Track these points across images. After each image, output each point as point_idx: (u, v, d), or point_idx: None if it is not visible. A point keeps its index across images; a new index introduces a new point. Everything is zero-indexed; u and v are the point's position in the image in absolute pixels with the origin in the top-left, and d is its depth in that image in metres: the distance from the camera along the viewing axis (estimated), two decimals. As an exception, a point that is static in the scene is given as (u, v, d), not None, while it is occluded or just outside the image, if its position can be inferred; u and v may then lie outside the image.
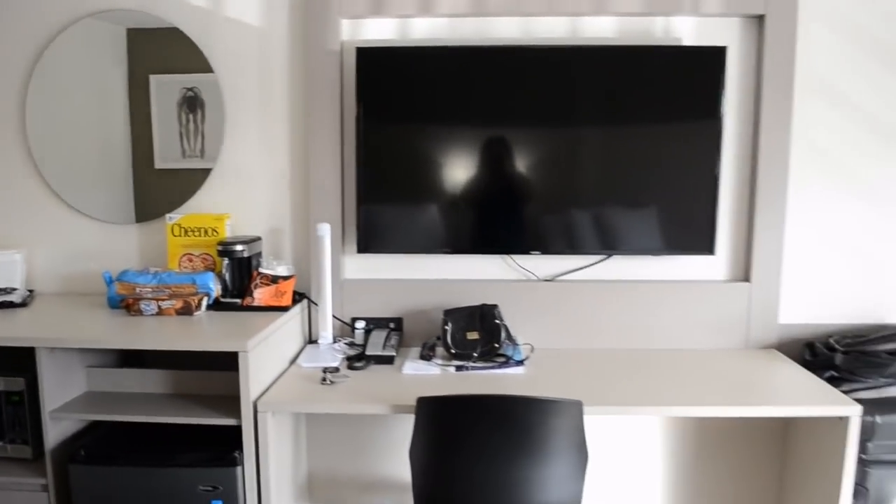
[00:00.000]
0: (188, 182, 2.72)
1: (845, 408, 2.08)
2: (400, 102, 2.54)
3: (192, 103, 2.68)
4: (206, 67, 2.66)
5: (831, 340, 2.52)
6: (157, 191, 2.73)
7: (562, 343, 2.66)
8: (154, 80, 2.67)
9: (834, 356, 2.41)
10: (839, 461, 2.14)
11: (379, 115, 2.55)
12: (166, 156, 2.71)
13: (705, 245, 2.57)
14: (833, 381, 2.36)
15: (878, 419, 2.19)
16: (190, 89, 2.68)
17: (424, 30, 2.63)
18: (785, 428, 2.54)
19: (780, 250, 2.62)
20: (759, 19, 2.56)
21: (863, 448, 2.19)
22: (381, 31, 2.64)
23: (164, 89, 2.67)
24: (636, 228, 2.57)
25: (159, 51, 2.65)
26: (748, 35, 2.59)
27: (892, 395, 2.29)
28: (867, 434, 2.19)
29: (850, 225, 2.67)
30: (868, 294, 2.70)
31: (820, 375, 2.39)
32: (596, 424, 2.65)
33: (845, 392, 2.31)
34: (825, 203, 2.65)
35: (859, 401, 2.25)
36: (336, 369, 2.41)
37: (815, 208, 2.66)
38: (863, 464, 2.20)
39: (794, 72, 2.54)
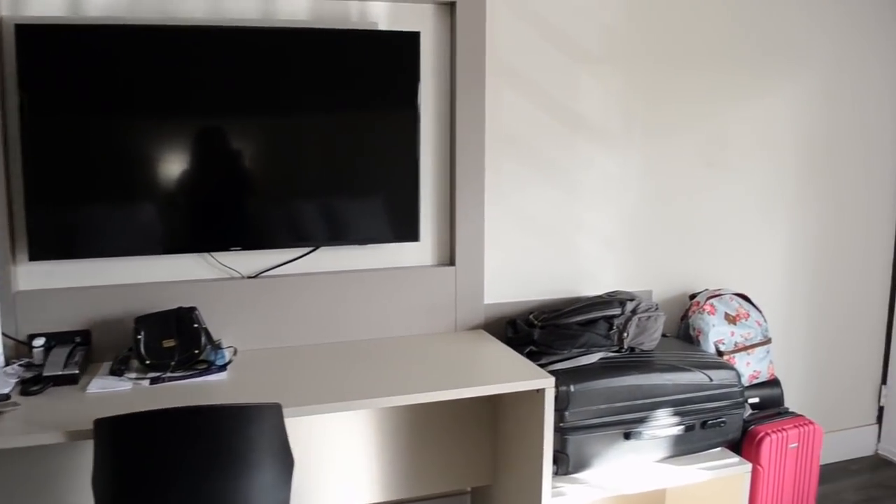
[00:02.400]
0: None
1: (541, 380, 2.17)
2: (73, 88, 2.22)
3: None
4: None
5: (531, 317, 2.64)
6: None
7: (270, 342, 2.52)
8: None
9: (533, 331, 2.53)
10: (539, 431, 2.24)
11: (49, 104, 2.21)
12: None
13: (410, 232, 2.57)
14: (533, 356, 2.47)
15: (573, 388, 2.32)
16: None
17: (102, 5, 2.33)
18: (493, 403, 2.62)
19: (480, 233, 2.70)
20: (451, 6, 2.60)
21: (560, 417, 2.31)
22: (48, 5, 2.29)
23: None
24: (341, 219, 2.49)
25: None
26: (441, 21, 2.61)
27: (585, 364, 2.44)
28: (563, 403, 2.31)
29: (544, 206, 2.82)
30: (563, 270, 2.88)
31: (521, 351, 2.49)
32: (308, 424, 2.54)
33: (543, 365, 2.43)
34: (520, 186, 2.77)
35: (556, 372, 2.37)
36: (6, 397, 2.06)
37: (512, 191, 2.77)
38: (561, 432, 2.32)
39: (485, 59, 2.62)
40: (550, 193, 2.82)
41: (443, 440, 2.59)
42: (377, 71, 2.45)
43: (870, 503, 3.12)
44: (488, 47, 2.65)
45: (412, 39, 2.47)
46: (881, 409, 3.59)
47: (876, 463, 3.51)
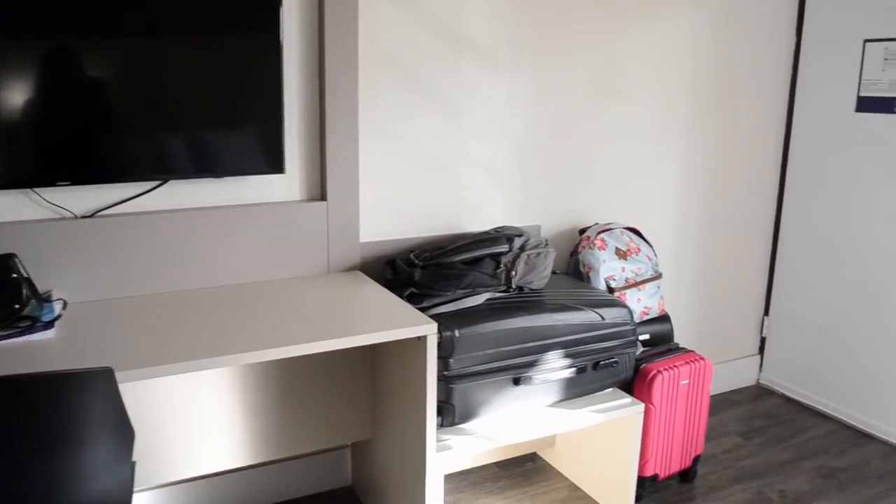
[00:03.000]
0: None
1: (422, 327, 1.95)
2: None
3: None
4: None
5: (411, 256, 2.41)
6: None
7: (109, 293, 2.17)
8: None
9: (413, 272, 2.30)
10: (422, 381, 2.03)
11: None
12: None
13: (273, 163, 2.26)
14: (414, 298, 2.25)
15: (457, 333, 2.11)
16: None
17: None
18: (372, 352, 2.40)
19: (355, 165, 2.42)
20: None
21: (444, 365, 2.11)
22: None
23: None
24: (194, 149, 2.15)
25: None
26: (303, -81, 2.27)
27: (470, 306, 2.24)
28: (447, 350, 2.10)
29: (426, 136, 2.56)
30: (446, 205, 2.65)
31: (401, 293, 2.26)
32: (166, 385, 2.24)
33: (426, 308, 2.21)
34: (399, 114, 2.50)
35: (439, 316, 2.16)
36: None
37: (390, 119, 2.49)
38: (446, 381, 2.12)
39: (355, -36, 2.30)
40: (433, 122, 2.56)
41: (317, 394, 2.35)
42: (228, -27, 2.09)
43: (754, 433, 3.12)
44: (359, -49, 2.34)
45: (269, -63, 2.13)
46: (763, 340, 3.61)
47: (758, 392, 3.54)
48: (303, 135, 2.38)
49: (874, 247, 3.10)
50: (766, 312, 3.58)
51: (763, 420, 3.25)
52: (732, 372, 3.53)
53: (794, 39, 3.34)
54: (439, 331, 2.06)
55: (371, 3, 2.38)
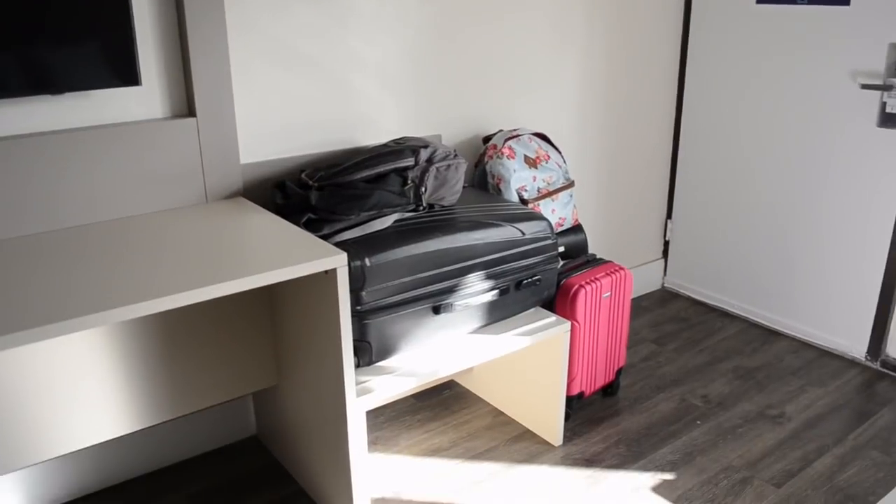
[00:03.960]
0: None
1: (329, 259, 1.66)
2: None
3: None
4: None
5: (303, 176, 2.09)
6: None
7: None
8: None
9: (309, 194, 1.98)
10: (334, 320, 1.75)
11: None
12: None
13: (124, 72, 1.85)
14: (312, 225, 1.94)
15: (368, 262, 1.83)
16: None
17: None
18: (269, 290, 2.08)
19: (226, 73, 2.04)
20: None
21: (356, 299, 1.83)
22: None
23: None
24: (23, 59, 1.71)
25: None
26: None
27: (377, 230, 1.96)
28: (358, 282, 1.82)
29: (307, 36, 2.19)
30: (336, 116, 2.32)
31: (297, 220, 1.94)
32: (27, 353, 1.85)
33: (327, 235, 1.91)
34: (275, 10, 2.12)
35: (344, 243, 1.87)
36: None
37: (264, 17, 2.11)
38: (359, 316, 1.85)
39: None
40: (314, 20, 2.20)
41: (209, 344, 2.02)
42: None
43: (667, 339, 3.05)
44: None
45: None
46: (667, 244, 3.53)
47: (664, 296, 3.48)
48: (159, 37, 1.97)
49: (773, 143, 3.02)
50: (669, 216, 3.49)
51: (673, 324, 3.18)
52: (638, 277, 3.45)
53: (689, -76, 3.14)
54: (348, 260, 1.78)
55: None
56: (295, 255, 1.66)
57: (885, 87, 2.68)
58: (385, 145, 2.21)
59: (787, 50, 2.92)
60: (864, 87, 2.73)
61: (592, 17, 2.90)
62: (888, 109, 2.71)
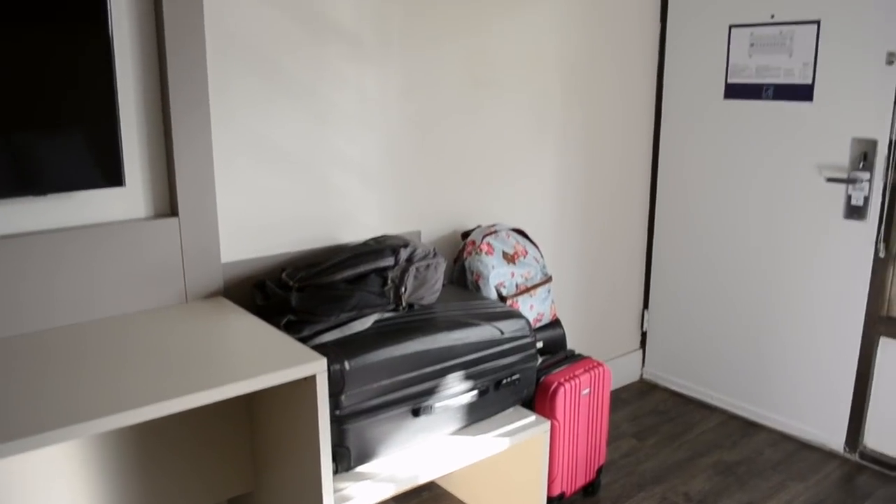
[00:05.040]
0: None
1: (309, 365, 1.65)
2: None
3: None
4: None
5: (284, 276, 2.09)
6: None
7: None
8: None
9: (289, 295, 1.98)
10: (312, 427, 1.73)
11: None
12: None
13: (109, 174, 1.87)
14: (292, 327, 1.93)
15: (348, 365, 1.83)
16: None
17: None
18: (248, 398, 2.06)
19: (209, 172, 2.07)
20: None
21: (335, 403, 1.82)
22: None
23: None
24: (10, 161, 1.73)
25: None
26: None
27: (357, 332, 1.96)
28: (338, 386, 1.81)
29: (289, 135, 2.24)
30: (317, 213, 2.34)
31: (277, 322, 1.94)
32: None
33: (307, 337, 1.91)
34: (258, 111, 2.16)
35: (324, 346, 1.87)
36: None
37: (248, 118, 2.15)
38: (338, 421, 1.83)
39: (198, -63, 1.95)
40: (296, 119, 2.25)
41: (184, 451, 1.98)
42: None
43: (646, 433, 3.03)
44: (202, -78, 1.98)
45: None
46: (644, 335, 3.55)
47: (643, 388, 3.48)
48: (144, 139, 2.00)
49: (745, 234, 3.09)
50: (646, 306, 3.52)
51: (653, 417, 3.17)
52: (617, 368, 3.45)
53: (658, 25, 3.28)
54: (328, 364, 1.77)
55: (218, -17, 2.03)
56: (274, 360, 1.65)
57: (849, 181, 2.77)
58: (365, 244, 2.23)
59: (755, 143, 3.02)
60: (830, 180, 2.81)
61: (568, 113, 2.99)
62: (853, 202, 2.79)
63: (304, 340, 1.89)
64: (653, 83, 3.30)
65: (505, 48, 2.72)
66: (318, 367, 1.66)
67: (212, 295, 2.13)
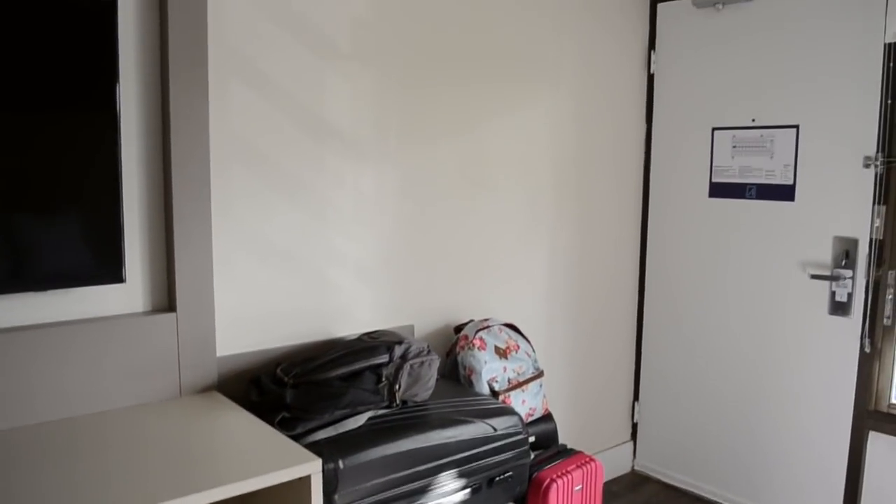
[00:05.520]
0: None
1: (304, 465, 1.65)
2: None
3: None
4: None
5: (279, 371, 2.11)
6: None
7: None
8: None
9: (284, 392, 2.00)
10: (304, 527, 1.72)
11: None
12: None
13: (110, 270, 1.91)
14: (286, 423, 1.94)
15: (342, 464, 1.83)
16: None
17: None
18: (241, 495, 2.04)
19: (208, 267, 2.11)
20: (157, -23, 1.99)
21: (329, 503, 1.81)
22: None
23: None
24: (10, 255, 1.77)
25: None
26: (145, -4, 1.99)
27: (351, 430, 1.97)
28: (331, 485, 1.81)
29: (287, 232, 2.30)
30: (313, 308, 2.38)
31: (272, 419, 1.95)
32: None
33: (300, 435, 1.92)
34: (257, 208, 2.23)
35: (318, 443, 1.88)
36: None
37: (247, 214, 2.21)
38: (329, 522, 1.82)
39: (208, 47, 2.04)
40: (294, 217, 2.31)
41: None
42: (60, 51, 1.77)
43: (638, 529, 3.01)
44: (213, 32, 2.08)
45: (106, 12, 1.83)
46: (635, 426, 3.55)
47: (634, 480, 3.46)
48: (146, 235, 2.05)
49: (733, 329, 3.14)
50: (636, 398, 3.53)
51: (645, 512, 3.15)
52: (608, 460, 3.44)
53: (645, 126, 3.40)
54: (322, 464, 1.78)
55: (222, 83, 2.12)
56: (268, 460, 1.66)
57: (832, 278, 2.84)
58: (360, 340, 2.26)
59: (739, 240, 3.10)
60: (814, 276, 2.88)
61: (560, 211, 3.07)
62: (837, 298, 2.85)
63: (297, 438, 1.90)
64: (640, 181, 3.41)
65: (499, 148, 2.82)
66: (312, 467, 1.67)
67: (206, 389, 2.14)
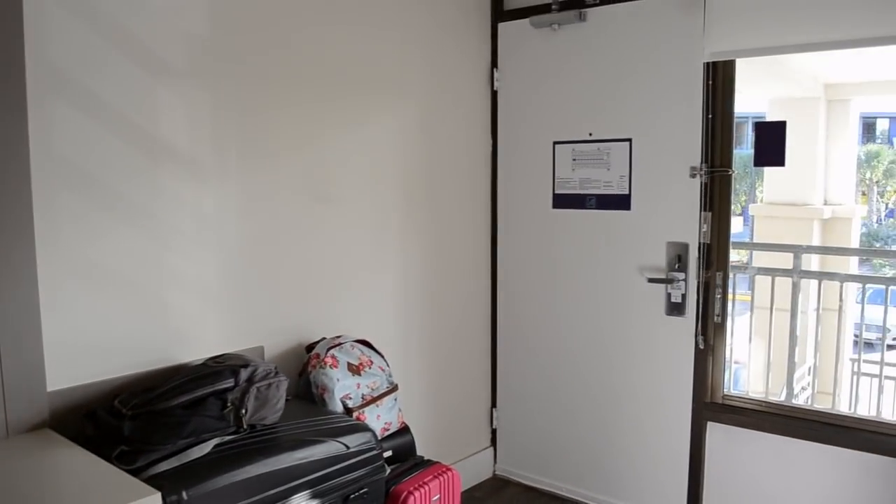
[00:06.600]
0: None
1: (141, 501, 1.58)
2: None
3: None
4: None
5: (116, 403, 2.01)
6: None
7: None
8: None
9: (122, 424, 1.91)
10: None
11: None
12: None
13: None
14: (125, 458, 1.85)
15: (186, 495, 1.76)
16: None
17: None
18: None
19: (33, 296, 1.97)
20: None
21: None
22: None
23: None
24: None
25: None
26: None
27: (196, 458, 1.90)
28: (174, 518, 1.74)
29: (121, 256, 2.19)
30: (152, 335, 2.28)
31: (110, 454, 1.85)
32: None
33: (141, 468, 1.83)
34: (86, 232, 2.11)
35: (159, 476, 1.80)
36: None
37: (75, 239, 2.09)
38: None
39: (25, 62, 1.92)
40: (129, 240, 2.21)
41: None
42: None
43: (499, 534, 3.07)
44: (32, 48, 1.95)
45: None
46: (494, 432, 3.63)
47: (496, 484, 3.53)
48: (-39, 267, 1.90)
49: (579, 332, 3.28)
50: (494, 405, 3.61)
51: (506, 516, 3.22)
52: (470, 467, 3.49)
53: (490, 141, 3.50)
54: (163, 497, 1.70)
55: (41, 102, 1.99)
56: (103, 499, 1.58)
57: (667, 281, 3.02)
58: (205, 365, 2.19)
59: (582, 248, 3.24)
60: (651, 280, 3.05)
61: (409, 224, 3.10)
62: (673, 300, 3.04)
63: (137, 472, 1.81)
64: (488, 194, 3.50)
65: (344, 162, 2.82)
66: (152, 502, 1.60)
67: (36, 427, 2.00)
